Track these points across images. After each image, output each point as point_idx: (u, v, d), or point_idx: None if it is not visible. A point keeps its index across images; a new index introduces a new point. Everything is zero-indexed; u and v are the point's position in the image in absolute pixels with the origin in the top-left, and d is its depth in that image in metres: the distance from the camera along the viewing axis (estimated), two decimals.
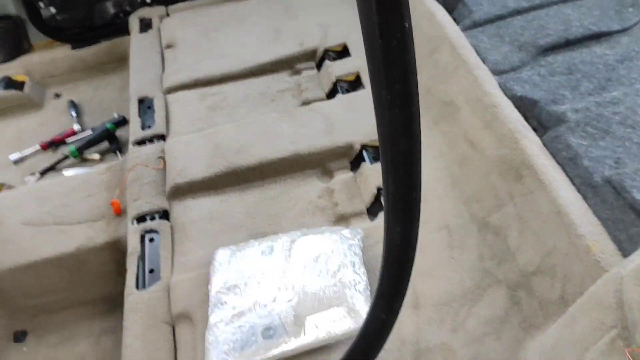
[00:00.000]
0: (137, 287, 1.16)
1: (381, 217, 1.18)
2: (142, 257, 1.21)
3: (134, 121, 1.52)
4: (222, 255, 1.11)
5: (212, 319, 1.01)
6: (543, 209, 1.01)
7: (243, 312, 1.00)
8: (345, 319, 0.95)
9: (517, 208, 1.06)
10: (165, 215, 1.29)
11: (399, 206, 0.60)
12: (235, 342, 0.96)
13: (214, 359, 0.96)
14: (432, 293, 1.03)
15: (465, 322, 0.98)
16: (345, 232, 1.08)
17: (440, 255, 1.08)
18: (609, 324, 0.75)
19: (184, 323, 1.09)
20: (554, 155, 1.06)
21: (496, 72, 1.24)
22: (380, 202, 1.22)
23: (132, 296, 1.13)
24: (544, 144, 1.09)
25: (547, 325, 0.93)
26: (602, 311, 0.77)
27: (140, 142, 1.46)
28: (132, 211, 1.29)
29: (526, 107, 1.18)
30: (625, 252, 0.88)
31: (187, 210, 1.29)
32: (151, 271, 1.19)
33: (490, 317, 0.97)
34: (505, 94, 1.19)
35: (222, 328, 0.99)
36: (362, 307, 0.96)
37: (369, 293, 1.00)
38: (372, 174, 1.25)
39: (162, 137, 1.46)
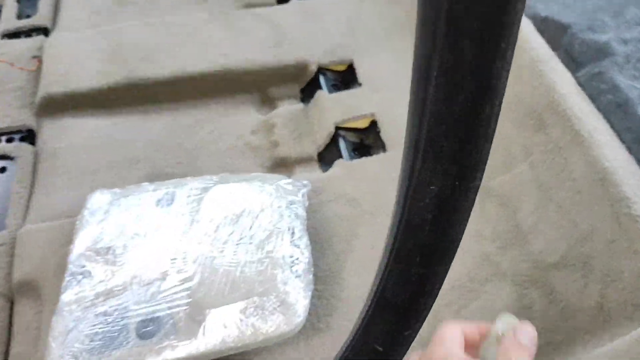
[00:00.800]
0: None
1: (338, 166, 0.83)
2: None
3: (9, 5, 1.10)
4: (97, 200, 0.74)
5: (66, 296, 0.65)
6: (575, 173, 0.68)
7: (113, 292, 0.64)
8: (272, 316, 0.60)
9: (535, 170, 0.73)
10: (29, 136, 0.90)
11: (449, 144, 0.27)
12: (94, 338, 0.60)
13: None
14: None
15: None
16: (285, 182, 0.73)
17: None
18: None
19: (27, 297, 0.72)
20: (594, 99, 0.74)
21: None
22: (338, 146, 0.87)
23: None
24: (580, 84, 0.77)
25: (574, 347, 0.62)
26: None
27: (13, 35, 1.05)
28: None
29: (551, 33, 0.85)
30: None
31: (63, 132, 0.90)
32: None
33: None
34: (525, 12, 0.85)
35: (77, 313, 0.63)
36: (300, 299, 0.62)
37: (311, 278, 0.65)
38: (331, 106, 0.90)
39: (44, 31, 1.05)
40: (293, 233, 0.67)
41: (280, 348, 0.65)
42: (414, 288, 0.36)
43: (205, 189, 0.72)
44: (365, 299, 0.68)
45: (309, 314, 0.68)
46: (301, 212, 0.70)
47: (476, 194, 0.31)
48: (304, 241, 0.67)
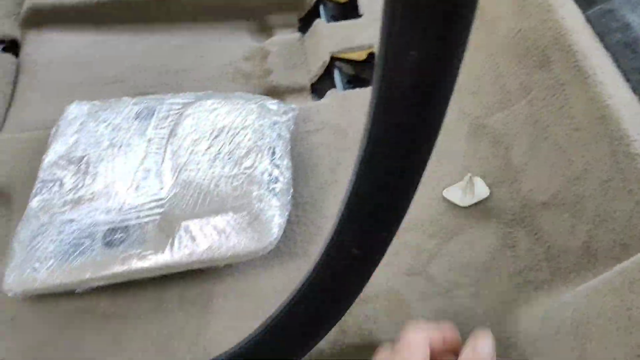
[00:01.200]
0: None
1: (329, 96, 0.79)
2: None
3: None
4: (75, 111, 0.71)
5: (34, 203, 0.63)
6: (575, 110, 0.65)
7: (83, 200, 0.61)
8: (244, 232, 0.58)
9: (533, 107, 0.70)
10: (13, 47, 0.87)
11: None
12: (59, 244, 0.58)
13: (17, 266, 0.58)
14: None
15: (429, 265, 0.63)
16: (270, 103, 0.70)
17: None
18: None
19: None
20: (602, 37, 0.70)
21: None
22: (332, 77, 0.83)
23: None
24: (589, 20, 0.72)
25: (556, 285, 0.60)
26: None
27: None
28: None
29: None
30: None
31: (47, 45, 0.86)
32: None
33: (468, 261, 0.63)
34: None
35: (43, 219, 0.61)
36: (275, 218, 0.59)
37: (289, 199, 0.63)
38: (328, 35, 0.85)
39: None
40: (274, 153, 0.64)
41: (255, 270, 0.63)
42: (390, 182, 0.32)
43: (186, 104, 0.69)
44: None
45: (286, 239, 0.65)
46: (284, 133, 0.67)
47: (461, 62, 0.27)
48: (285, 162, 0.64)
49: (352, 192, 0.32)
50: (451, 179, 0.70)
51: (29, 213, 0.61)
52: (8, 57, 0.83)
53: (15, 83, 0.82)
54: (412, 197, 0.34)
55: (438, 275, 0.62)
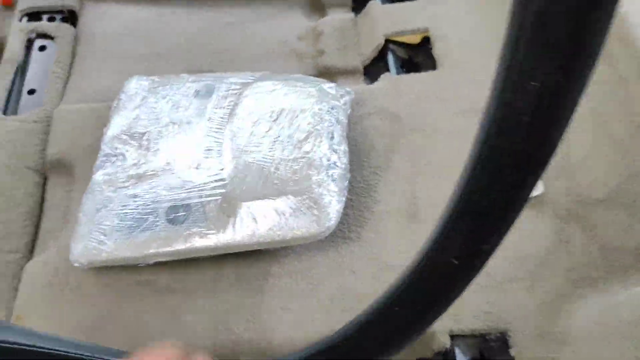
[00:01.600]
0: (4, 109, 0.77)
1: (383, 80, 0.79)
2: (22, 69, 0.81)
3: None
4: (135, 86, 0.72)
5: (98, 176, 0.64)
6: (638, 108, 0.64)
7: (146, 176, 0.63)
8: (304, 215, 0.59)
9: (593, 101, 0.69)
10: (71, 18, 0.88)
11: None
12: (124, 217, 0.60)
13: (83, 238, 0.60)
14: (439, 203, 0.67)
15: None
16: (328, 86, 0.70)
17: (462, 149, 0.71)
18: None
19: (60, 176, 0.72)
20: None
21: None
22: (385, 60, 0.83)
23: None
24: None
25: (611, 284, 0.60)
26: None
27: None
28: (24, 2, 0.87)
29: None
30: None
31: (104, 17, 0.88)
32: (31, 92, 0.79)
33: (523, 254, 0.63)
34: None
35: (108, 193, 0.62)
36: (333, 203, 0.60)
37: (346, 184, 0.63)
38: (383, 17, 0.85)
39: None
40: (332, 137, 0.64)
41: (310, 252, 0.64)
42: (501, 195, 0.32)
43: (245, 85, 0.69)
44: (394, 213, 0.66)
45: (341, 222, 0.66)
46: (342, 117, 0.67)
47: (584, 90, 0.27)
48: (343, 147, 0.65)
49: (457, 203, 0.32)
50: None
51: (93, 186, 0.63)
52: (67, 28, 0.84)
53: (73, 54, 0.83)
54: (519, 214, 0.33)
55: (492, 267, 0.62)
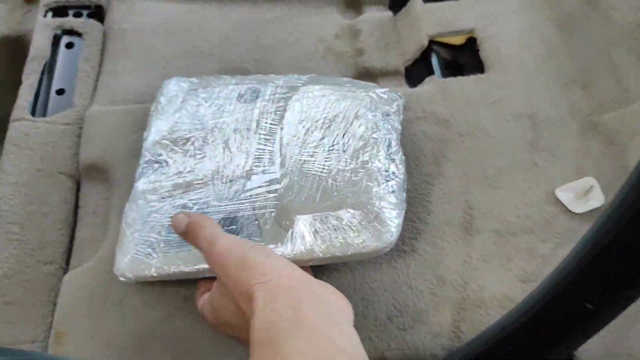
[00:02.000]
0: (32, 111, 0.73)
1: (429, 83, 0.76)
2: (50, 67, 0.77)
3: None
4: (174, 87, 0.69)
5: (141, 184, 0.61)
6: None
7: (193, 185, 0.60)
8: (365, 230, 0.55)
9: None
10: (98, 13, 0.84)
11: None
12: (172, 230, 0.56)
13: (129, 250, 0.57)
14: (494, 213, 0.65)
15: (544, 272, 0.61)
16: (381, 91, 0.67)
17: (516, 156, 0.68)
18: None
19: (95, 181, 0.68)
20: None
21: None
22: (429, 61, 0.80)
23: (22, 124, 0.71)
24: None
25: None
26: None
27: None
28: None
29: None
30: None
31: (134, 13, 0.83)
32: (60, 92, 0.76)
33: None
34: None
35: (153, 203, 0.59)
36: (393, 216, 0.57)
37: (404, 196, 0.60)
38: (426, 17, 0.81)
39: None
40: (389, 145, 0.61)
41: (362, 267, 0.61)
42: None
43: (293, 88, 0.66)
44: (454, 225, 0.63)
45: None
46: (397, 125, 0.64)
47: None
48: (399, 156, 0.62)
49: (602, 236, 0.29)
50: (563, 178, 0.67)
51: (136, 195, 0.60)
52: (94, 24, 0.81)
53: (102, 51, 0.79)
54: None
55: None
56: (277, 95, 0.65)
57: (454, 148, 0.69)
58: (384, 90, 0.67)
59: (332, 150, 0.60)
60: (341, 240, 0.55)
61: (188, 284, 0.58)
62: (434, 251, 0.63)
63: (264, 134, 0.62)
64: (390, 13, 0.86)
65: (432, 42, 0.80)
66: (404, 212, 0.59)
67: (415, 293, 0.60)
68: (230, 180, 0.59)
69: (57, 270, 0.63)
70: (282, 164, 0.59)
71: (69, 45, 0.79)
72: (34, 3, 0.86)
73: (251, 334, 0.39)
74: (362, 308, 0.59)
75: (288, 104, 0.64)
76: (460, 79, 0.75)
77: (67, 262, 0.64)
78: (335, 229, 0.55)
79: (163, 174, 0.61)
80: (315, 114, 0.63)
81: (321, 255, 0.54)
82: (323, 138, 0.61)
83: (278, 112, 0.63)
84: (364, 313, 0.59)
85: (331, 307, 0.43)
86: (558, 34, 0.77)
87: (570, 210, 0.64)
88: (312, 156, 0.59)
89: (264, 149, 0.61)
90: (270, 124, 0.62)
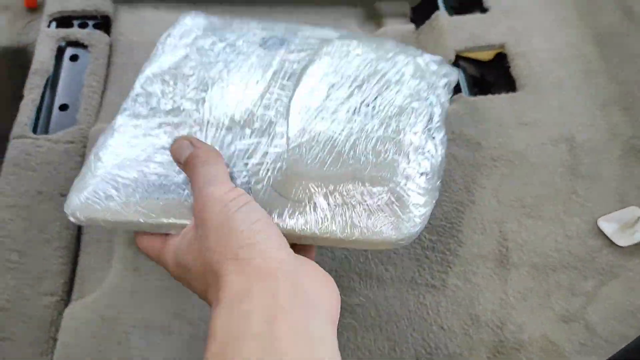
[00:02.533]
0: (34, 128, 0.69)
1: (457, 102, 0.71)
2: (53, 81, 0.73)
3: None
4: (189, 22, 0.60)
5: (123, 116, 0.52)
6: None
7: (183, 126, 0.50)
8: (381, 212, 0.45)
9: None
10: (105, 24, 0.79)
11: None
12: (146, 172, 0.47)
13: (88, 186, 0.47)
14: (531, 245, 0.60)
15: (587, 311, 0.56)
16: (430, 58, 0.57)
17: (554, 182, 0.64)
18: None
19: None
20: None
21: None
22: (458, 83, 0.75)
23: (23, 141, 0.66)
24: None
25: None
26: None
27: None
28: (52, 6, 0.78)
29: None
30: None
31: (143, 22, 0.79)
32: (63, 107, 0.71)
33: (632, 308, 0.55)
34: None
35: (131, 138, 0.50)
36: (421, 203, 0.46)
37: (438, 185, 0.49)
38: (452, 30, 0.77)
39: None
40: (431, 120, 0.51)
41: (387, 302, 0.56)
42: None
43: (325, 41, 0.56)
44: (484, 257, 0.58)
45: (421, 267, 0.59)
46: (444, 99, 0.54)
47: None
48: (441, 136, 0.51)
49: None
50: (605, 208, 0.62)
51: (113, 127, 0.51)
52: (101, 36, 0.76)
53: (108, 65, 0.75)
54: None
55: (598, 324, 0.55)
56: (305, 45, 0.55)
57: (486, 173, 0.65)
58: (435, 58, 0.57)
59: (358, 112, 0.50)
60: (348, 219, 0.44)
61: (195, 321, 0.54)
62: (467, 287, 0.58)
63: (280, 83, 0.52)
64: (412, 26, 0.82)
65: (459, 57, 0.76)
66: (434, 202, 0.48)
67: (447, 334, 0.55)
68: (227, 128, 0.49)
69: (57, 303, 0.58)
70: (294, 119, 0.49)
71: (74, 58, 0.75)
72: (36, 12, 0.82)
73: (208, 342, 0.32)
74: (389, 350, 0.54)
75: (315, 56, 0.54)
76: (490, 97, 0.71)
77: (69, 293, 0.59)
78: (343, 204, 0.45)
79: (151, 109, 0.52)
80: (346, 70, 0.53)
81: (318, 233, 0.44)
82: (350, 97, 0.51)
83: (302, 63, 0.53)
84: (390, 355, 0.54)
85: (314, 308, 0.35)
86: (595, 50, 0.73)
87: (614, 243, 0.59)
88: (332, 114, 0.49)
89: (276, 99, 0.51)
90: (290, 73, 0.52)
